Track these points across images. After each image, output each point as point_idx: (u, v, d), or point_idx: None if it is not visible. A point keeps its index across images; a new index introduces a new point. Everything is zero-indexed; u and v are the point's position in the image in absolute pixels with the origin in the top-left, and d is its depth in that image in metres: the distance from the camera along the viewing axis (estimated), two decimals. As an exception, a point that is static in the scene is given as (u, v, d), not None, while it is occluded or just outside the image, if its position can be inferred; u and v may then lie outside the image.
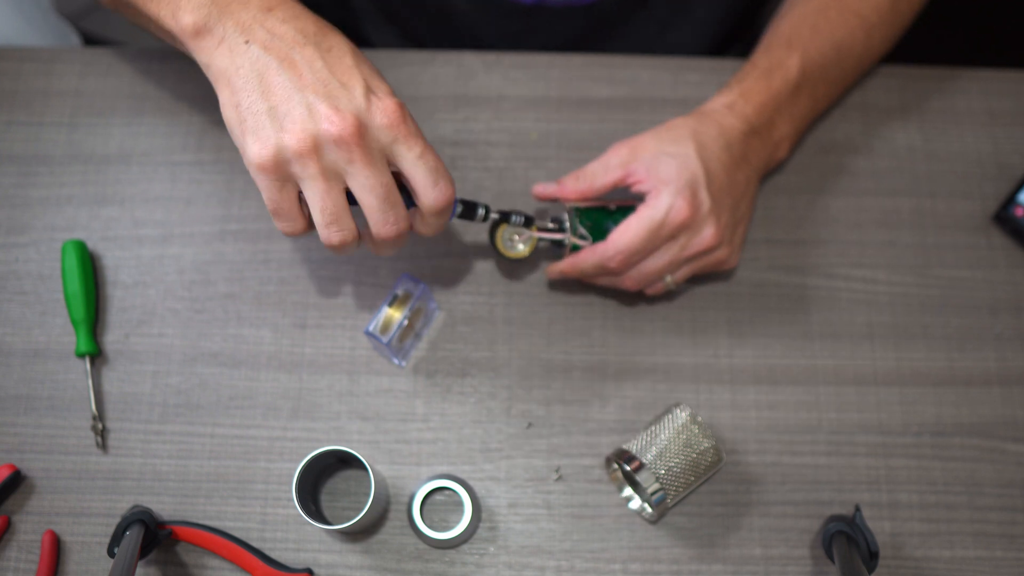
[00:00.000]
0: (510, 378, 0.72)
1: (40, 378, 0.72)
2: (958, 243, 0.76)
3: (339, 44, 0.57)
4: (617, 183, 0.68)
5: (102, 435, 0.70)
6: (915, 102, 0.80)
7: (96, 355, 0.72)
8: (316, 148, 0.54)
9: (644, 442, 0.65)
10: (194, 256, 0.75)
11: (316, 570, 0.67)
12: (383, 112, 0.55)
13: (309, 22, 0.57)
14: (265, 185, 0.56)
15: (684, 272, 0.69)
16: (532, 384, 0.72)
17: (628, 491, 0.69)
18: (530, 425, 0.71)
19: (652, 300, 0.74)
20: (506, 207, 0.72)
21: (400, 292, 0.69)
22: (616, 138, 0.78)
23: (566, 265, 0.69)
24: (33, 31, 0.97)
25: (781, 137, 0.71)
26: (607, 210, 0.70)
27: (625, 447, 0.66)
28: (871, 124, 0.79)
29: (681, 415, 0.65)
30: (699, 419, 0.65)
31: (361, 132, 0.54)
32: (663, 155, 0.66)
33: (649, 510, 0.67)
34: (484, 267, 0.75)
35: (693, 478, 0.65)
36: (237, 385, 0.72)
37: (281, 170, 0.55)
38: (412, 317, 0.69)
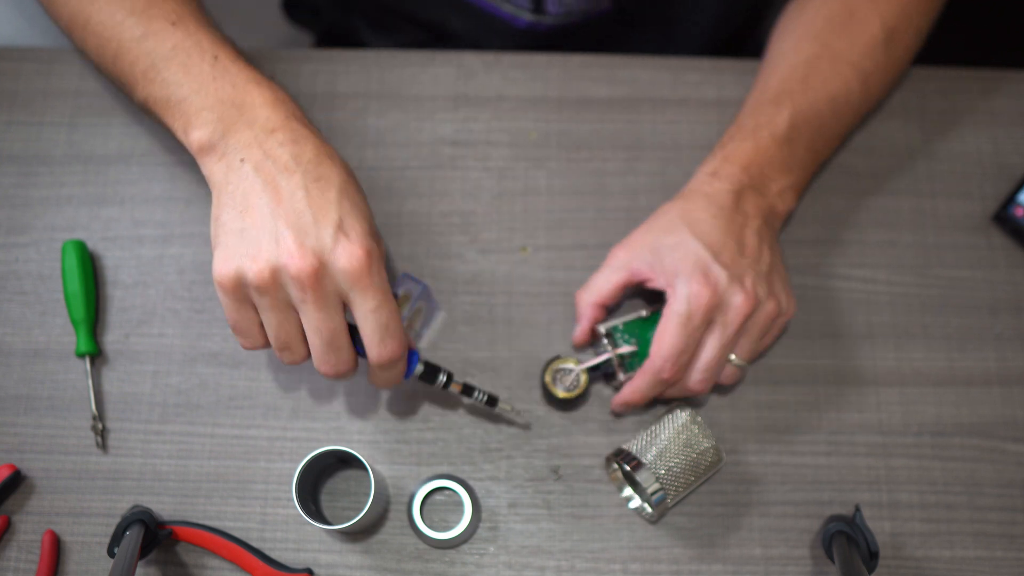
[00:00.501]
0: (510, 378, 0.72)
1: (40, 378, 0.72)
2: (958, 243, 0.76)
3: (330, 175, 0.57)
4: (625, 284, 0.68)
5: (102, 435, 0.70)
6: (915, 102, 0.80)
7: (96, 355, 0.72)
8: (274, 280, 0.55)
9: (644, 442, 0.65)
10: (194, 256, 0.75)
11: (316, 570, 0.67)
12: (348, 256, 0.55)
13: (308, 147, 0.58)
14: (224, 302, 0.57)
15: (745, 346, 0.66)
16: (532, 384, 0.72)
17: (628, 491, 0.69)
18: (530, 425, 0.71)
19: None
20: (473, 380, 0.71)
21: (400, 292, 0.69)
22: (616, 138, 0.78)
23: (626, 395, 0.67)
24: (33, 31, 0.97)
25: (781, 189, 0.68)
26: (641, 319, 0.69)
27: (625, 447, 0.66)
28: (871, 124, 0.79)
29: (681, 415, 0.65)
30: (699, 419, 0.65)
31: (318, 274, 0.54)
32: (661, 248, 0.65)
33: (649, 510, 0.67)
34: (484, 267, 0.75)
35: (693, 478, 0.65)
36: (237, 385, 0.72)
37: (239, 292, 0.56)
38: (412, 317, 0.69)
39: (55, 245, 0.75)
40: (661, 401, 0.70)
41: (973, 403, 0.72)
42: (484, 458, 0.70)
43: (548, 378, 0.69)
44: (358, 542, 0.68)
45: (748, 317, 0.64)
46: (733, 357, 0.66)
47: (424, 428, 0.71)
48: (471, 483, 0.68)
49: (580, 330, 0.70)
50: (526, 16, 0.81)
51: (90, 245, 0.75)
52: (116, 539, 0.63)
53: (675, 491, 0.64)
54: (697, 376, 0.65)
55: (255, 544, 0.68)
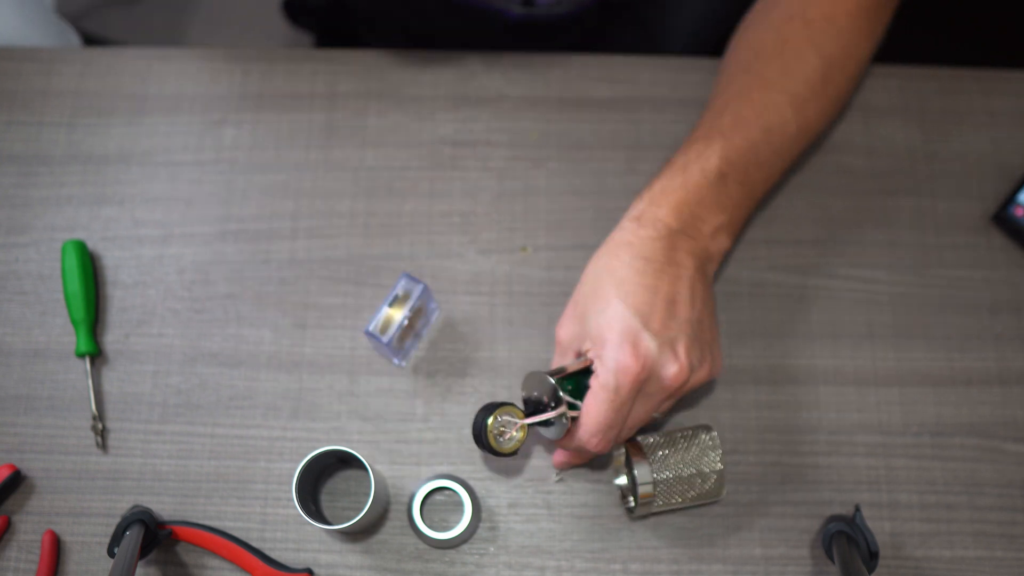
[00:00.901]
0: (510, 378, 0.72)
1: (40, 378, 0.72)
2: (958, 243, 0.76)
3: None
4: (578, 361, 0.62)
5: (102, 435, 0.70)
6: (915, 102, 0.80)
7: (96, 355, 0.72)
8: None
9: (658, 443, 0.65)
10: (194, 256, 0.75)
11: (316, 570, 0.67)
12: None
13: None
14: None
15: (668, 404, 0.63)
16: (532, 384, 0.72)
17: (623, 479, 0.69)
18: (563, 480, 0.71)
19: None
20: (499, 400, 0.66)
21: (400, 292, 0.69)
22: (616, 138, 0.78)
23: (567, 458, 0.67)
24: (33, 31, 0.97)
25: (714, 229, 0.64)
26: (586, 368, 0.62)
27: (640, 438, 0.65)
28: (871, 124, 0.79)
29: (705, 437, 0.64)
30: (719, 448, 0.64)
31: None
32: (587, 315, 0.61)
33: (632, 503, 0.66)
34: (484, 267, 0.75)
35: (687, 496, 0.64)
36: (237, 385, 0.72)
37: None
38: (412, 317, 0.69)
39: (55, 245, 0.75)
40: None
41: (973, 403, 0.72)
42: (484, 458, 0.70)
43: (491, 439, 0.61)
44: (358, 542, 0.68)
45: (679, 386, 0.60)
46: (656, 414, 0.64)
47: (424, 428, 0.71)
48: (471, 483, 0.68)
49: (565, 456, 0.68)
50: (516, 8, 0.81)
51: (90, 245, 0.75)
52: (116, 539, 0.63)
53: (664, 499, 0.64)
54: (624, 436, 0.63)
55: (255, 544, 0.68)
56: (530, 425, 0.61)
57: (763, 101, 0.67)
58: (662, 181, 0.64)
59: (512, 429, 0.61)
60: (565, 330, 0.64)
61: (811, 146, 0.74)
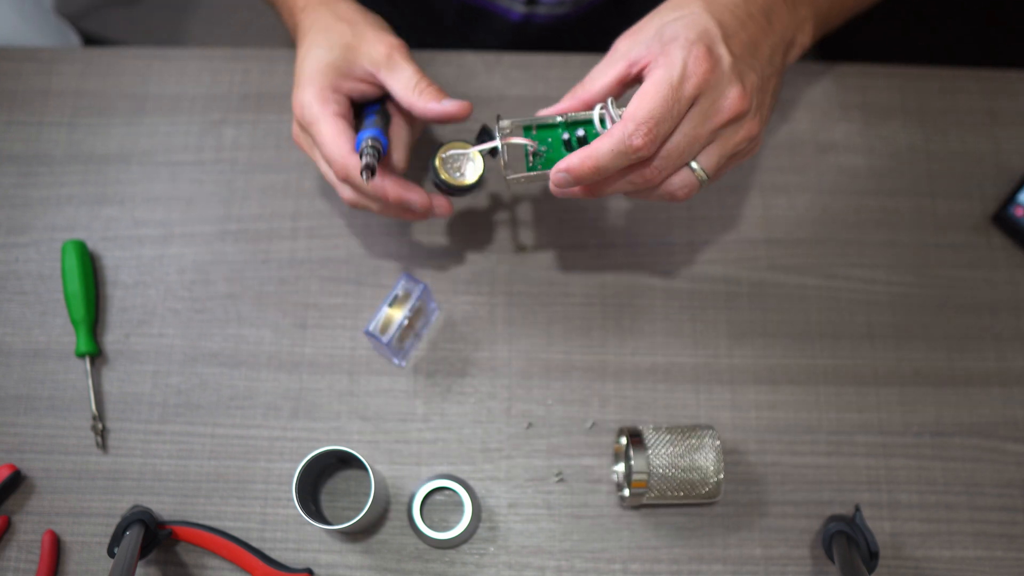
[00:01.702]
0: (510, 378, 0.72)
1: (40, 378, 0.72)
2: (958, 243, 0.76)
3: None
4: (622, 79, 0.58)
5: (102, 435, 0.70)
6: (915, 102, 0.80)
7: (96, 355, 0.72)
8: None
9: (661, 437, 0.65)
10: (194, 256, 0.75)
11: (316, 570, 0.67)
12: None
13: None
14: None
15: (713, 155, 0.57)
16: (532, 384, 0.72)
17: (620, 467, 0.69)
18: (530, 425, 0.71)
19: (651, 298, 0.73)
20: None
21: (400, 292, 0.69)
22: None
23: (578, 159, 0.55)
24: (33, 31, 0.97)
25: (806, 17, 0.62)
26: (555, 122, 0.59)
27: (642, 428, 0.65)
28: (871, 124, 0.79)
29: (708, 439, 0.64)
30: (721, 452, 0.64)
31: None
32: (664, 24, 0.56)
33: (626, 493, 0.66)
34: (484, 267, 0.75)
35: (681, 493, 0.64)
36: (237, 385, 0.72)
37: None
38: (412, 317, 0.69)
39: (55, 245, 0.75)
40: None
41: (973, 403, 0.72)
42: (484, 458, 0.70)
43: (438, 163, 0.61)
44: (358, 542, 0.68)
45: (734, 120, 0.56)
46: (695, 164, 0.57)
47: (424, 428, 0.71)
48: (471, 483, 0.68)
49: (558, 107, 0.61)
50: (519, 8, 0.81)
51: (90, 245, 0.75)
52: (116, 539, 0.63)
53: (658, 493, 0.64)
54: (660, 163, 0.56)
55: (255, 544, 0.68)
56: (483, 152, 0.61)
57: None
58: None
59: (464, 161, 0.61)
60: (626, 39, 0.59)
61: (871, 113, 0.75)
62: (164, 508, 0.69)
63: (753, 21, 0.58)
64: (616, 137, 0.54)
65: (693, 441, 0.64)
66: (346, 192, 0.64)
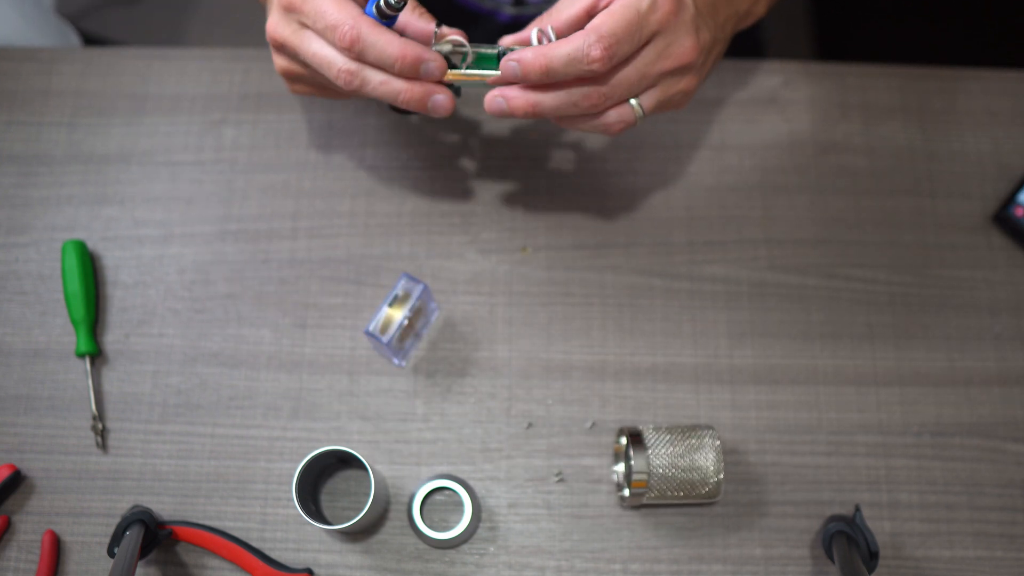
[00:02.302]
0: (510, 378, 0.72)
1: (40, 378, 0.72)
2: (958, 243, 0.76)
3: None
4: (589, 9, 0.58)
5: (102, 435, 0.70)
6: (915, 102, 0.80)
7: (96, 355, 0.72)
8: None
9: (661, 437, 0.65)
10: (194, 256, 0.75)
11: (316, 570, 0.67)
12: None
13: None
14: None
15: (653, 97, 0.59)
16: (532, 384, 0.72)
17: (620, 467, 0.69)
18: (530, 425, 0.71)
19: (651, 298, 0.73)
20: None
21: (400, 292, 0.69)
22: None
23: (535, 54, 0.55)
24: (33, 31, 0.97)
25: None
26: (492, 53, 0.59)
27: (642, 428, 0.65)
28: (871, 124, 0.79)
29: (708, 439, 0.65)
30: (721, 452, 0.64)
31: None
32: None
33: (627, 493, 0.66)
34: (484, 267, 0.75)
35: (681, 493, 0.64)
36: (237, 385, 0.72)
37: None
38: (412, 317, 0.69)
39: (55, 245, 0.75)
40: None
41: (973, 403, 0.72)
42: (484, 458, 0.70)
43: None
44: (358, 542, 0.68)
45: (680, 69, 0.58)
46: (634, 101, 0.59)
47: (424, 428, 0.71)
48: (471, 483, 0.68)
49: (506, 38, 0.61)
50: (508, 10, 0.81)
51: (90, 245, 0.75)
52: (116, 539, 0.63)
53: (658, 493, 0.64)
54: (605, 89, 0.56)
55: (255, 544, 0.68)
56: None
57: None
58: None
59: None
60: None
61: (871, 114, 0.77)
62: (164, 508, 0.69)
63: None
64: (575, 43, 0.54)
65: (693, 441, 0.64)
66: (348, 63, 0.57)
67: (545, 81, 0.56)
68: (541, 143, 0.78)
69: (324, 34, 0.57)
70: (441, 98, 0.58)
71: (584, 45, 0.54)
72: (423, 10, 0.61)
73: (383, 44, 0.55)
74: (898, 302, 0.74)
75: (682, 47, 0.57)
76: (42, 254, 0.75)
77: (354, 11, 0.56)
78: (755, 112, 0.79)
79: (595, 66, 0.54)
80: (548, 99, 0.57)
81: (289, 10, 0.58)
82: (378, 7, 0.57)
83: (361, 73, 0.57)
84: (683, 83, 0.59)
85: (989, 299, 0.74)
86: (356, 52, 0.56)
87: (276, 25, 0.59)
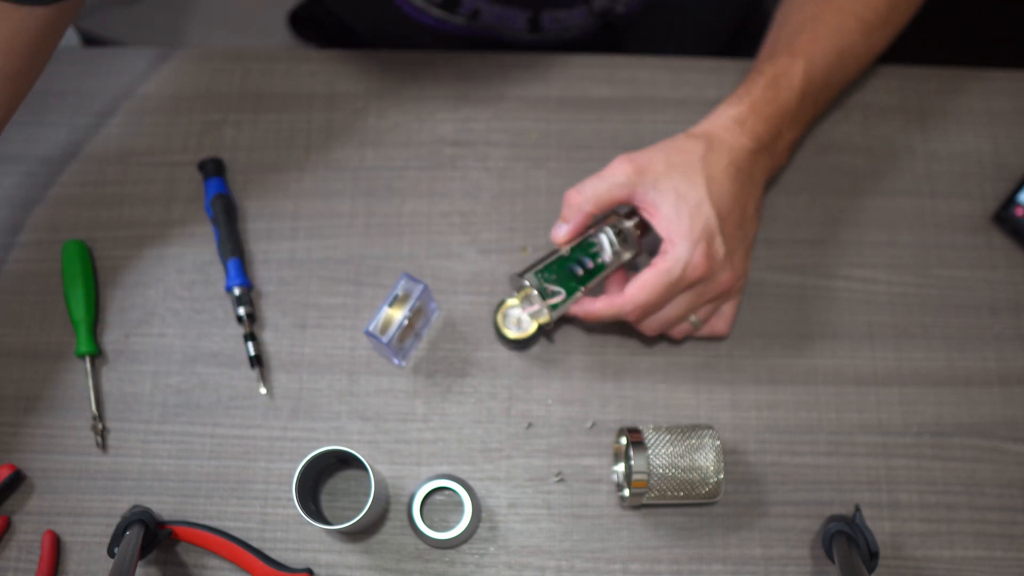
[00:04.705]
0: (510, 378, 0.72)
1: (40, 378, 0.72)
2: (958, 243, 0.76)
3: None
4: (622, 202, 0.66)
5: (102, 435, 0.70)
6: (915, 102, 0.80)
7: (96, 355, 0.72)
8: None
9: (661, 437, 0.65)
10: (194, 256, 0.75)
11: (316, 570, 0.67)
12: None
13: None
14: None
15: (705, 311, 0.68)
16: (532, 384, 0.72)
17: (620, 467, 0.69)
18: (530, 425, 0.71)
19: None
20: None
21: (400, 292, 0.69)
22: (616, 138, 0.78)
23: (585, 312, 0.67)
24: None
25: (785, 147, 0.70)
26: (561, 257, 0.67)
27: (641, 427, 0.65)
28: (871, 124, 0.79)
29: (709, 440, 0.64)
30: (721, 452, 0.64)
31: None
32: (673, 191, 0.64)
33: (627, 493, 0.66)
34: (484, 267, 0.75)
35: (682, 493, 0.64)
36: (237, 385, 0.72)
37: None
38: (412, 317, 0.69)
39: (55, 245, 0.75)
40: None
41: (973, 403, 0.72)
42: (484, 458, 0.70)
43: (499, 319, 0.71)
44: (358, 542, 0.68)
45: (725, 293, 0.67)
46: (693, 317, 0.68)
47: (424, 428, 0.71)
48: (471, 483, 0.68)
49: (567, 231, 0.67)
50: (526, 36, 0.81)
51: (90, 245, 0.75)
52: (116, 539, 0.63)
53: (658, 493, 0.64)
54: (653, 324, 0.67)
55: (255, 544, 0.68)
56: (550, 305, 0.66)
57: (837, 24, 0.70)
58: (757, 90, 0.68)
59: (525, 312, 0.70)
60: (634, 171, 0.65)
61: (871, 112, 0.79)
62: (164, 508, 0.69)
63: (742, 189, 0.65)
64: (614, 306, 0.65)
65: (693, 441, 0.64)
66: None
67: (600, 324, 0.70)
68: (541, 143, 0.78)
69: None
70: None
71: (620, 311, 0.65)
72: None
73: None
74: (898, 302, 0.74)
75: (719, 283, 0.65)
76: (42, 254, 0.75)
77: None
78: (755, 112, 0.79)
79: (634, 322, 0.67)
80: (609, 318, 0.67)
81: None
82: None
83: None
84: (734, 290, 0.68)
85: (989, 299, 0.74)
86: None
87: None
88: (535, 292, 0.66)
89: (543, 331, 0.71)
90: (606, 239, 0.68)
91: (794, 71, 0.68)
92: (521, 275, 0.66)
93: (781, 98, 0.68)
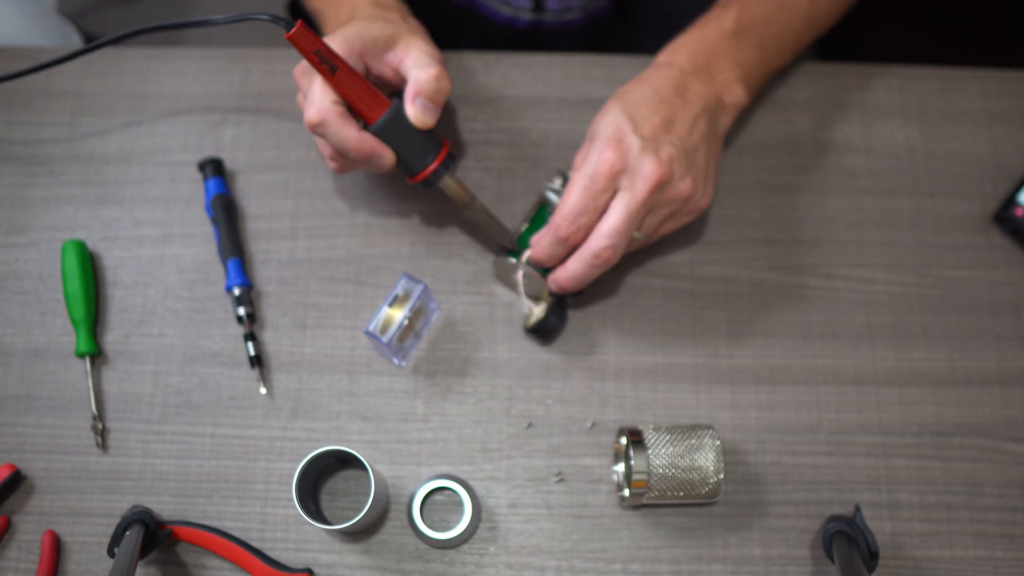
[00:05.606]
0: (510, 378, 0.72)
1: (40, 378, 0.72)
2: (958, 243, 0.76)
3: None
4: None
5: (102, 435, 0.70)
6: (915, 102, 0.80)
7: (96, 355, 0.72)
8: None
9: (661, 437, 0.65)
10: (194, 256, 0.75)
11: (316, 570, 0.67)
12: None
13: None
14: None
15: (650, 222, 0.66)
16: (532, 384, 0.72)
17: (621, 467, 0.69)
18: (530, 425, 0.71)
19: (651, 298, 0.74)
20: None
21: (400, 292, 0.69)
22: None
23: (534, 250, 0.67)
24: (34, 31, 0.98)
25: (727, 80, 0.70)
26: (523, 233, 0.71)
27: (642, 428, 0.65)
28: (871, 124, 0.79)
29: (708, 439, 0.64)
30: (721, 451, 0.64)
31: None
32: (592, 130, 0.67)
33: (627, 493, 0.66)
34: (484, 267, 0.75)
35: (682, 493, 0.64)
36: (237, 385, 0.72)
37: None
38: (412, 317, 0.69)
39: (55, 245, 0.75)
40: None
41: (973, 403, 0.72)
42: (484, 458, 0.70)
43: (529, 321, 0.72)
44: (358, 542, 0.68)
45: (657, 187, 0.63)
46: (636, 232, 0.66)
47: (424, 428, 0.71)
48: (471, 483, 0.68)
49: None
50: (526, 16, 0.81)
51: (90, 245, 0.75)
52: (116, 539, 0.63)
53: (658, 493, 0.64)
54: (600, 241, 0.64)
55: (255, 544, 0.68)
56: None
57: None
58: (681, 37, 0.71)
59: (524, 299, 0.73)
60: (579, 155, 0.68)
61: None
62: (164, 508, 0.69)
63: (665, 104, 0.66)
64: (549, 230, 0.65)
65: (693, 441, 0.64)
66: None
67: (555, 262, 0.67)
68: (541, 143, 0.78)
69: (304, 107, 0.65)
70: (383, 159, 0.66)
71: (554, 231, 0.64)
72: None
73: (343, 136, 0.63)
74: (898, 302, 0.74)
75: (646, 174, 0.63)
76: (42, 254, 0.75)
77: (329, 97, 0.63)
78: (754, 112, 0.79)
79: (571, 240, 0.65)
80: (570, 270, 0.66)
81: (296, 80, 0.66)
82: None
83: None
84: (672, 192, 0.64)
85: (989, 299, 0.74)
86: (319, 133, 0.64)
87: (300, 69, 0.66)
88: (521, 272, 0.70)
89: (563, 304, 0.71)
90: (552, 194, 0.72)
91: (724, 16, 0.71)
92: (498, 255, 0.71)
93: (706, 38, 0.70)
